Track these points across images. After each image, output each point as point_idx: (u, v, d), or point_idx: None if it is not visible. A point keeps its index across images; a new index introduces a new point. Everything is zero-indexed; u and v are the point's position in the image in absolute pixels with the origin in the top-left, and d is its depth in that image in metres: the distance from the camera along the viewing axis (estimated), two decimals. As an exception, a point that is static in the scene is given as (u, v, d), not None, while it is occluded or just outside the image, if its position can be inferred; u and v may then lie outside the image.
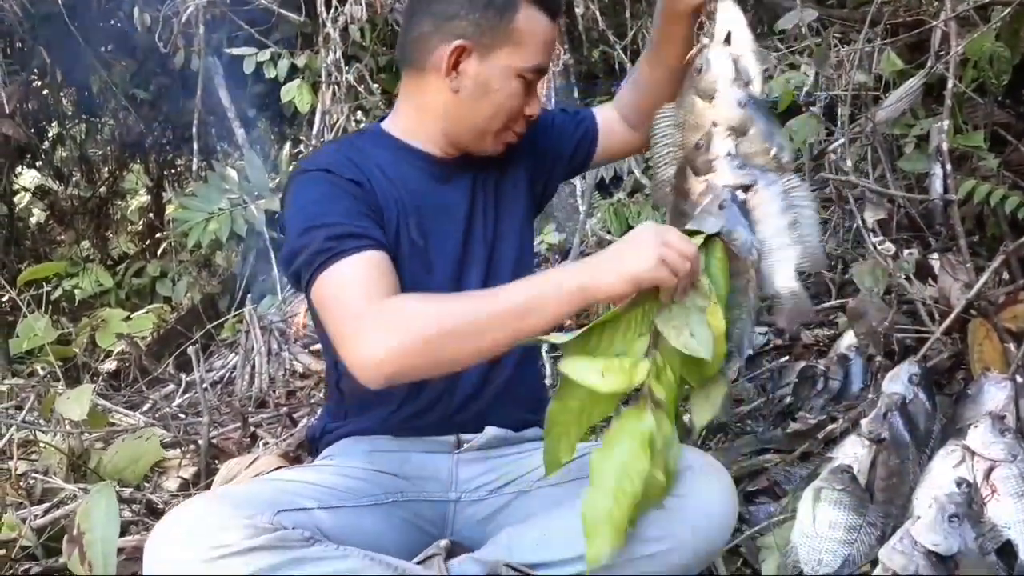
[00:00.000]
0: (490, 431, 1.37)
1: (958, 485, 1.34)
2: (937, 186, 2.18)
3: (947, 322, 1.82)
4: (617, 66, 3.54)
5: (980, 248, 2.23)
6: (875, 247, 2.10)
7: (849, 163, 2.36)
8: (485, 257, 1.38)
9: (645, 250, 1.09)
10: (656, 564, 1.17)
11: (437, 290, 1.26)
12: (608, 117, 1.51)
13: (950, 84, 2.10)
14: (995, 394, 1.52)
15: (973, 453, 1.40)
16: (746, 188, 1.18)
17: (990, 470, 1.38)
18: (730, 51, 1.20)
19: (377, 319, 1.12)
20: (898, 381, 1.57)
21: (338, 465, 1.33)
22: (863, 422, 1.52)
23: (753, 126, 1.20)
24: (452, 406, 1.35)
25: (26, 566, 1.62)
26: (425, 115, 1.34)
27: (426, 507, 1.34)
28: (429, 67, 1.30)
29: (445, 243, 1.35)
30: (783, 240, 1.20)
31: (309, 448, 1.51)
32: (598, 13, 3.41)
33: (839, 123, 2.41)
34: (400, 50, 1.37)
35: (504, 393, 1.37)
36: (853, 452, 1.48)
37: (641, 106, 1.41)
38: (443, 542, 1.25)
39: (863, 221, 2.22)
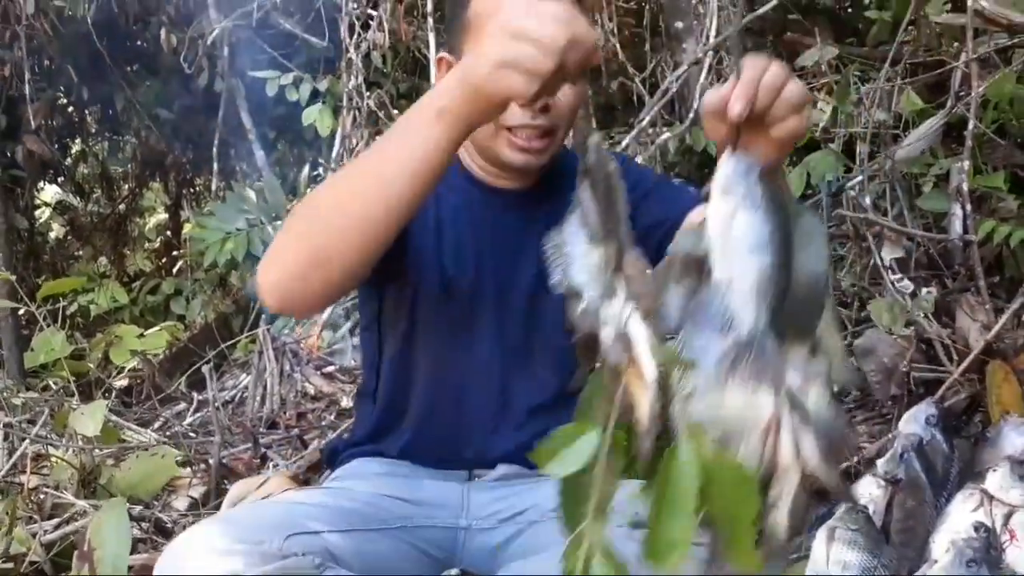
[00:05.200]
0: (501, 468, 1.36)
1: (976, 530, 1.32)
2: (956, 226, 2.19)
3: (965, 363, 1.81)
4: (635, 98, 3.56)
5: (999, 289, 2.22)
6: (893, 284, 2.09)
7: (868, 200, 2.36)
8: (523, 310, 1.29)
9: (485, 46, 0.85)
10: None
11: (454, 327, 1.23)
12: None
13: (971, 125, 2.11)
14: (1014, 438, 1.51)
15: (992, 497, 1.38)
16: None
17: (1009, 515, 1.36)
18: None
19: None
20: (915, 422, 1.56)
21: (347, 488, 1.32)
22: (879, 462, 1.51)
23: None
24: (464, 441, 1.33)
25: (34, 581, 1.62)
26: None
27: (435, 533, 1.33)
28: None
29: (472, 277, 1.27)
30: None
31: (326, 463, 1.51)
32: (618, 45, 3.43)
33: (858, 160, 2.42)
34: None
35: (519, 432, 1.35)
36: (868, 492, 1.47)
37: None
38: (454, 571, 1.24)
39: (881, 259, 2.22)
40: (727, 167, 0.79)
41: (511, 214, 1.30)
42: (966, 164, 2.14)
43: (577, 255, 0.79)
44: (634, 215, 1.27)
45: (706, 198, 0.80)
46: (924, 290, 2.14)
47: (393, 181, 0.93)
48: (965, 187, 2.13)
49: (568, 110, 1.20)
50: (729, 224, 0.77)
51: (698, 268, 0.79)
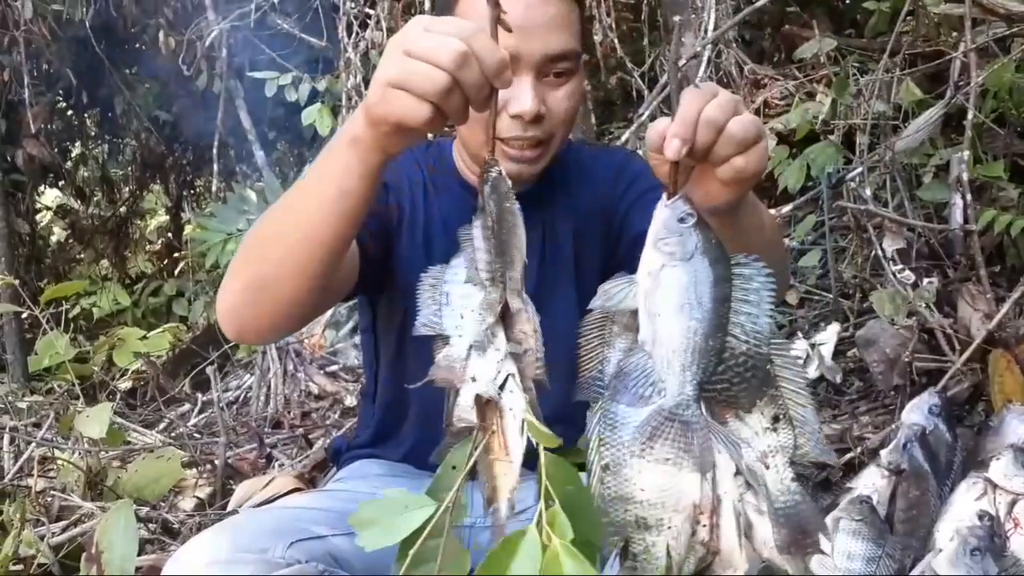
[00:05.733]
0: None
1: (980, 518, 1.32)
2: (957, 216, 2.19)
3: (967, 353, 1.81)
4: (635, 93, 3.56)
5: (1000, 278, 2.22)
6: (894, 275, 2.09)
7: (868, 192, 2.36)
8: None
9: (376, 74, 0.78)
10: None
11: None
12: None
13: (970, 114, 2.10)
14: (1017, 426, 1.51)
15: (995, 486, 1.38)
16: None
17: (1013, 503, 1.37)
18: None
19: None
20: (918, 412, 1.56)
21: (350, 490, 1.32)
22: (882, 453, 1.51)
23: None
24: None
25: (43, 583, 1.62)
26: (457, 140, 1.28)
27: (438, 533, 1.33)
28: None
29: None
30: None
31: (331, 460, 1.51)
32: (616, 40, 3.44)
33: (858, 152, 2.42)
34: None
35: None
36: (872, 482, 1.47)
37: None
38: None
39: (882, 250, 2.22)
40: (659, 216, 0.71)
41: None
42: (966, 154, 2.14)
43: (454, 295, 0.71)
44: (627, 216, 1.27)
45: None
46: (925, 280, 2.14)
47: (316, 212, 0.89)
48: (965, 177, 2.13)
49: (562, 119, 1.15)
50: (655, 279, 0.69)
51: (635, 325, 0.71)
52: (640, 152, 3.07)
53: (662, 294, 0.68)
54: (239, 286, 0.97)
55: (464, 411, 0.68)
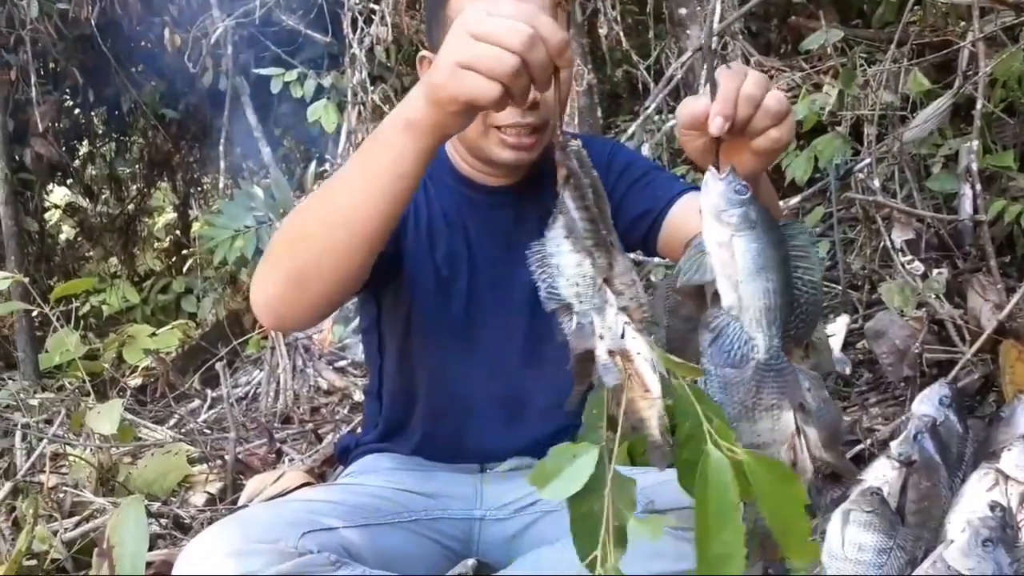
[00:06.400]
0: (513, 460, 1.36)
1: (992, 509, 1.32)
2: (967, 206, 2.18)
3: (978, 343, 1.81)
4: (640, 86, 3.55)
5: (1011, 269, 2.21)
6: (903, 266, 2.09)
7: (876, 183, 2.35)
8: (527, 307, 1.26)
9: (445, 49, 0.80)
10: None
11: (454, 328, 1.22)
12: (686, 209, 1.22)
13: (979, 104, 2.09)
14: (1029, 417, 1.50)
15: (1007, 477, 1.38)
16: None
17: (1024, 494, 1.36)
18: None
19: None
20: (928, 403, 1.55)
21: (361, 484, 1.32)
22: (893, 444, 1.50)
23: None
24: (475, 441, 1.33)
25: (56, 579, 1.64)
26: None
27: (450, 525, 1.33)
28: None
29: (468, 277, 1.27)
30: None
31: (339, 459, 1.52)
32: (621, 33, 3.43)
33: (866, 143, 2.41)
34: None
35: (533, 431, 1.35)
36: (883, 474, 1.47)
37: None
38: (470, 561, 1.24)
39: (891, 241, 2.21)
40: (716, 190, 0.76)
41: (503, 211, 1.29)
42: (975, 144, 2.13)
43: (566, 266, 0.73)
44: (621, 205, 1.28)
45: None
46: (935, 271, 2.13)
47: (364, 201, 0.91)
48: (975, 167, 2.12)
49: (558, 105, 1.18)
50: (728, 250, 0.75)
51: (696, 295, 0.78)
52: (646, 145, 3.07)
53: (740, 262, 0.75)
54: (279, 278, 0.98)
55: (612, 368, 0.72)
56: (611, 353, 0.72)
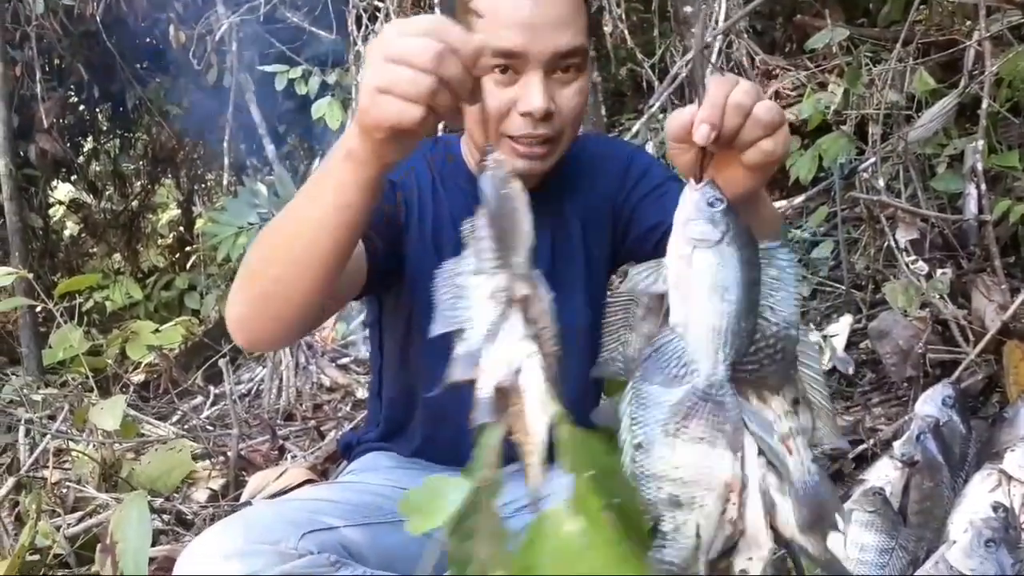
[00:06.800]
0: (512, 467, 1.36)
1: (995, 509, 1.32)
2: (971, 206, 2.17)
3: (982, 344, 1.80)
4: (645, 84, 3.55)
5: (1015, 269, 2.20)
6: (907, 266, 2.08)
7: (881, 182, 2.34)
8: None
9: (363, 80, 0.78)
10: None
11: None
12: None
13: (984, 104, 2.08)
14: (1032, 417, 1.50)
15: (1010, 477, 1.37)
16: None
17: (1028, 495, 1.36)
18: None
19: None
20: (931, 403, 1.55)
21: (362, 482, 1.32)
22: (895, 444, 1.50)
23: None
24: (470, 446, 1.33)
25: (60, 573, 1.64)
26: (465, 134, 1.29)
27: (451, 524, 1.33)
28: None
29: None
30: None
31: (343, 455, 1.52)
32: (626, 31, 3.42)
33: (870, 142, 2.40)
34: None
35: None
36: (886, 474, 1.47)
37: None
38: (465, 561, 1.24)
39: (895, 240, 2.20)
40: (689, 199, 0.72)
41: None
42: (980, 143, 2.12)
43: (466, 286, 0.70)
44: (635, 214, 1.27)
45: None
46: (939, 271, 2.12)
47: (315, 227, 0.89)
48: (980, 167, 2.11)
49: (571, 115, 1.15)
50: (688, 262, 0.70)
51: (659, 308, 0.72)
52: (651, 143, 3.06)
53: (695, 277, 0.69)
54: (245, 298, 0.98)
55: (489, 403, 0.68)
56: (498, 389, 0.68)
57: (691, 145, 0.79)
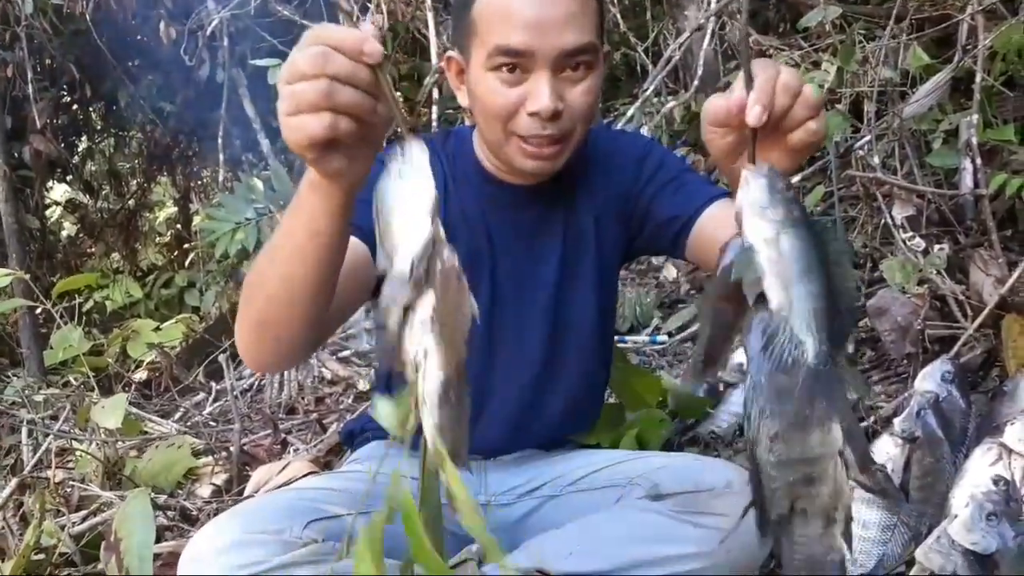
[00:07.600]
0: (516, 454, 1.37)
1: (995, 483, 1.32)
2: (967, 181, 2.16)
3: (980, 318, 1.80)
4: (639, 68, 3.53)
5: (1012, 243, 2.20)
6: (904, 243, 2.08)
7: (876, 159, 2.34)
8: (549, 308, 1.28)
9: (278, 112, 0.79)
10: None
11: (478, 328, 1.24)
12: (717, 217, 1.19)
13: (978, 78, 2.08)
14: (1031, 390, 1.50)
15: (1010, 450, 1.38)
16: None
17: (1028, 467, 1.36)
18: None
19: None
20: (931, 379, 1.55)
21: (364, 471, 1.33)
22: (896, 421, 1.50)
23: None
24: (487, 440, 1.33)
25: (65, 572, 1.65)
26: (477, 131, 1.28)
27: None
28: None
29: (489, 274, 1.26)
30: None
31: (344, 443, 1.52)
32: (619, 15, 3.41)
33: (865, 120, 2.39)
34: None
35: (547, 430, 1.35)
36: (886, 451, 1.47)
37: None
38: (475, 547, 1.24)
39: (891, 217, 2.20)
40: (758, 184, 0.72)
41: (527, 210, 1.28)
42: (975, 118, 2.11)
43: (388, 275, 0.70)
44: (651, 207, 1.28)
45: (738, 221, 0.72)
46: (936, 247, 2.12)
47: (293, 257, 0.90)
48: (975, 141, 2.10)
49: (581, 114, 1.14)
50: (775, 247, 0.70)
51: (735, 299, 0.72)
52: (646, 127, 3.05)
53: (789, 260, 0.70)
54: (244, 327, 0.99)
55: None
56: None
57: (730, 129, 0.82)
